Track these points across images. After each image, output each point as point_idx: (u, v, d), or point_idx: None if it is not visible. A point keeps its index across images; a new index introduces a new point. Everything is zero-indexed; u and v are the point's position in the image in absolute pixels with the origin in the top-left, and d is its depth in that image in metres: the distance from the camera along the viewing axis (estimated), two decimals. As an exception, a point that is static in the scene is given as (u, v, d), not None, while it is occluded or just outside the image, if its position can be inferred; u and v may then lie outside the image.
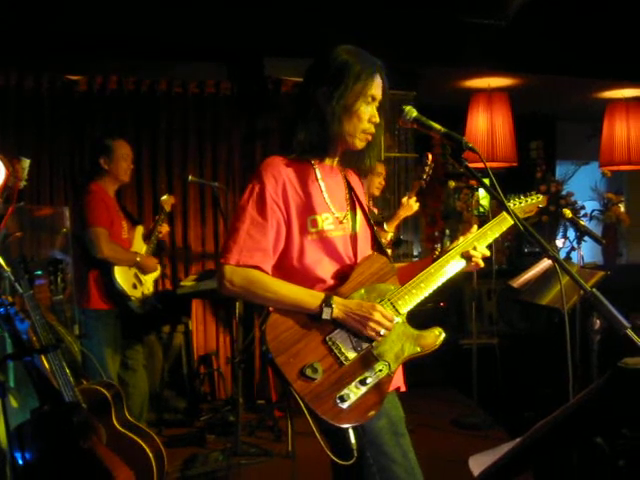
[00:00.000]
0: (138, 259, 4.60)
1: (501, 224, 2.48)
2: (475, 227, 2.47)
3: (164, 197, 5.07)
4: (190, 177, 5.11)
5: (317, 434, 2.05)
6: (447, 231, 7.86)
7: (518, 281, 4.79)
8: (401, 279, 2.33)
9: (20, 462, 3.40)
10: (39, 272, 3.91)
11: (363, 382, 2.12)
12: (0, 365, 3.55)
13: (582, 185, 8.46)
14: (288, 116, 2.36)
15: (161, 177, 6.23)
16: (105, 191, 4.57)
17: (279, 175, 2.23)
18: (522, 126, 7.18)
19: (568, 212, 4.57)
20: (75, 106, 5.98)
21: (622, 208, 8.41)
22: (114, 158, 4.57)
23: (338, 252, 2.29)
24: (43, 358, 3.47)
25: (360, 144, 2.31)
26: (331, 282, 2.26)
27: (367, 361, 2.16)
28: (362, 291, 2.24)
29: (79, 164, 5.94)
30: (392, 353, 2.20)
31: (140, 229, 4.87)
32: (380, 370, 2.16)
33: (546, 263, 4.63)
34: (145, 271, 4.70)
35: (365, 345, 2.17)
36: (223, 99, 6.31)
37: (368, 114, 2.26)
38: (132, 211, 5.68)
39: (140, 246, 4.79)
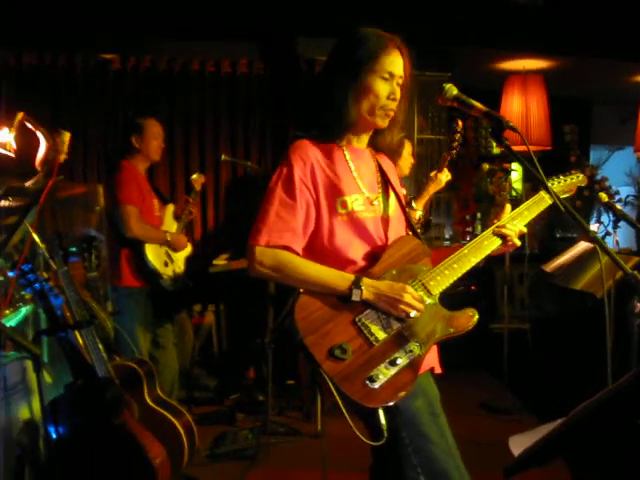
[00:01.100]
0: (168, 237, 4.62)
1: (539, 204, 2.46)
2: (508, 208, 2.44)
3: (194, 176, 5.07)
4: (223, 156, 5.11)
5: (346, 415, 2.02)
6: (479, 215, 7.80)
7: (551, 265, 4.74)
8: (434, 262, 2.30)
9: (54, 436, 3.44)
10: (73, 249, 3.94)
11: (393, 363, 2.09)
12: (34, 340, 3.59)
13: (616, 170, 8.36)
14: (311, 97, 2.37)
15: (194, 156, 6.25)
16: (136, 169, 4.59)
17: (307, 157, 2.23)
18: (556, 109, 7.08)
19: (604, 196, 4.50)
20: (108, 85, 6.03)
21: (657, 193, 8.29)
22: (145, 137, 4.59)
23: (369, 233, 2.27)
24: (77, 334, 3.50)
25: (382, 122, 2.29)
26: (362, 263, 2.24)
27: (398, 342, 2.13)
28: (394, 272, 2.22)
29: (112, 142, 5.98)
30: (424, 334, 2.17)
31: (171, 207, 4.89)
32: (411, 351, 2.12)
33: (581, 247, 4.58)
34: (176, 249, 4.71)
35: (396, 326, 2.14)
36: (256, 79, 6.30)
37: (386, 91, 2.23)
38: (164, 190, 5.71)
39: (171, 224, 4.80)
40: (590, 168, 7.79)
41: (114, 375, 3.50)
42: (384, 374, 2.07)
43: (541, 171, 2.04)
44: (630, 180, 8.40)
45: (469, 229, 7.76)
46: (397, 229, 2.37)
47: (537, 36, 6.33)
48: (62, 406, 3.50)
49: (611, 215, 4.67)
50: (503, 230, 2.35)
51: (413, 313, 2.13)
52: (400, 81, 2.26)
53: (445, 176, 4.65)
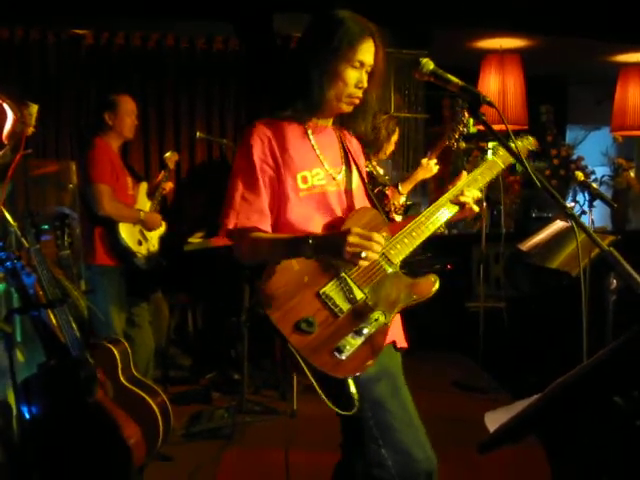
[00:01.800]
0: (142, 216, 4.58)
1: (492, 168, 2.51)
2: (464, 174, 2.47)
3: (167, 154, 5.03)
4: (198, 133, 5.06)
5: (317, 387, 2.05)
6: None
7: (527, 244, 4.75)
8: (393, 232, 2.33)
9: (27, 416, 3.41)
10: (46, 227, 3.89)
11: (359, 332, 2.12)
12: (7, 319, 3.54)
13: (592, 150, 8.41)
14: (282, 78, 2.36)
15: (168, 134, 6.19)
16: (109, 146, 4.53)
17: (264, 136, 2.24)
18: (533, 89, 7.09)
19: (580, 175, 4.53)
20: (81, 61, 5.94)
21: (632, 174, 8.35)
22: (118, 114, 4.53)
23: (331, 207, 2.30)
24: (50, 312, 3.47)
25: (346, 108, 2.29)
26: None
27: (362, 311, 2.16)
28: None
29: (85, 119, 5.90)
30: (387, 302, 2.20)
31: (144, 185, 4.84)
32: (376, 319, 2.15)
33: (556, 226, 4.60)
34: (150, 228, 4.67)
35: (360, 296, 2.17)
36: (231, 55, 6.24)
37: (354, 79, 2.23)
38: (138, 168, 5.66)
39: (144, 203, 4.76)
40: (566, 148, 7.83)
41: (88, 354, 3.47)
42: (351, 344, 2.10)
43: (518, 148, 2.03)
44: (606, 160, 8.45)
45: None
46: (360, 203, 2.40)
47: (514, 14, 6.31)
48: (35, 386, 3.48)
49: (587, 194, 4.69)
50: (460, 197, 2.37)
51: (364, 253, 1.96)
52: (369, 69, 2.26)
53: (435, 165, 4.61)
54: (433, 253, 5.30)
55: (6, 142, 2.80)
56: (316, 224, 2.27)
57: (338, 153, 2.40)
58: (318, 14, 2.30)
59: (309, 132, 2.31)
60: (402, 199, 4.61)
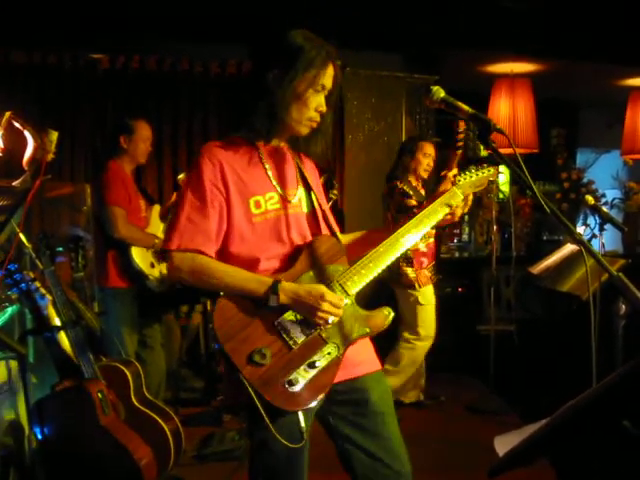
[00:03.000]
0: (156, 241, 4.61)
1: (450, 200, 2.47)
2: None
3: (181, 176, 5.06)
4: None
5: (266, 420, 2.01)
6: (466, 217, 7.82)
7: (538, 267, 4.76)
8: (355, 251, 2.32)
9: (39, 437, 3.42)
10: (60, 249, 3.93)
11: (312, 365, 2.09)
12: (20, 340, 3.58)
13: (603, 173, 8.40)
14: (242, 98, 2.33)
15: (181, 156, 6.24)
16: (123, 169, 4.57)
17: (215, 159, 2.19)
18: (543, 112, 7.12)
19: (590, 199, 4.54)
20: (97, 84, 6.01)
21: (643, 197, 8.34)
22: (134, 138, 4.58)
23: (285, 233, 2.24)
24: (63, 334, 3.49)
25: (304, 130, 2.27)
26: (278, 264, 2.22)
27: (316, 344, 2.12)
28: (311, 273, 2.20)
29: (100, 142, 5.96)
30: (341, 334, 2.16)
31: (157, 208, 4.87)
32: (329, 353, 2.12)
33: (567, 249, 4.60)
34: None
35: (314, 328, 2.13)
36: (245, 79, 6.28)
37: (316, 102, 2.22)
38: (152, 190, 5.70)
39: (157, 225, 4.79)
40: (577, 171, 7.83)
41: (101, 376, 3.49)
42: (303, 377, 2.07)
43: (528, 175, 2.04)
44: (616, 183, 8.44)
45: (457, 231, 7.79)
46: (317, 227, 2.35)
47: (525, 39, 6.35)
48: (48, 407, 3.49)
49: (597, 218, 4.70)
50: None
51: (331, 319, 2.11)
52: (327, 93, 2.26)
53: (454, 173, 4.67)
54: (444, 276, 5.32)
55: (26, 168, 2.84)
56: (271, 251, 2.22)
57: (294, 174, 2.35)
58: (280, 36, 2.25)
59: (262, 155, 2.26)
60: None
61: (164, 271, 4.68)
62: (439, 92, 2.16)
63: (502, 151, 2.13)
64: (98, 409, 3.40)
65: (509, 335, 6.03)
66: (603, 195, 7.74)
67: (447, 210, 2.44)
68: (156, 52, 6.12)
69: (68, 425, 3.48)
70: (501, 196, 7.57)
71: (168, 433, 3.58)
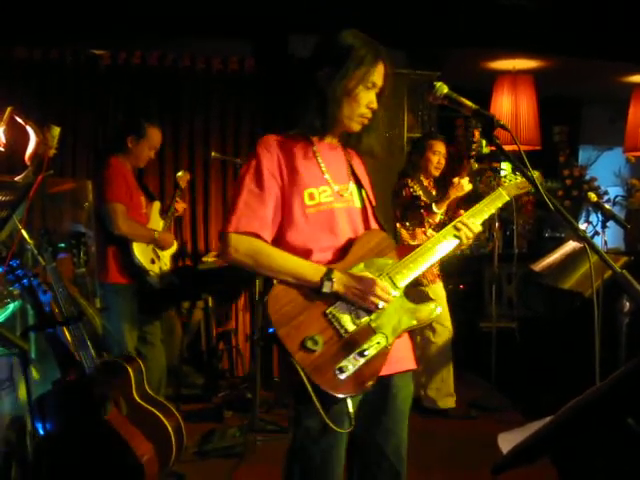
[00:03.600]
0: (156, 235, 4.60)
1: (496, 201, 2.55)
2: (462, 212, 2.54)
3: (179, 173, 5.05)
4: (213, 153, 5.09)
5: (317, 404, 2.08)
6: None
7: (540, 265, 4.76)
8: (400, 256, 2.37)
9: (41, 433, 3.43)
10: (62, 245, 3.92)
11: (362, 354, 2.16)
12: (22, 336, 3.57)
13: (605, 170, 8.40)
14: (291, 94, 2.43)
15: (183, 153, 6.23)
16: (124, 165, 4.56)
17: (273, 150, 2.28)
18: (546, 109, 7.12)
19: (593, 196, 4.54)
20: (99, 80, 5.99)
21: (645, 194, 8.33)
22: (142, 142, 4.57)
23: (338, 225, 2.32)
24: (65, 330, 3.49)
25: (356, 127, 2.35)
26: (330, 256, 2.30)
27: (365, 333, 2.20)
28: (361, 265, 2.27)
29: (102, 138, 5.96)
30: (390, 326, 2.24)
31: (157, 205, 4.87)
32: (378, 342, 2.20)
33: (569, 247, 4.60)
34: (163, 247, 4.70)
35: (364, 318, 2.21)
36: (247, 76, 6.28)
37: (367, 99, 2.30)
38: (153, 187, 5.69)
39: (157, 221, 4.79)
40: (579, 168, 7.83)
41: (102, 372, 3.49)
42: (353, 364, 2.14)
43: (530, 169, 2.04)
44: (619, 180, 8.44)
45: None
46: (367, 221, 2.43)
47: (527, 36, 6.34)
48: (50, 402, 3.49)
49: (600, 215, 4.69)
50: (460, 232, 2.40)
51: (381, 304, 2.20)
52: (378, 91, 2.33)
53: (466, 182, 4.71)
54: (446, 274, 5.32)
55: (29, 163, 2.84)
56: (322, 243, 2.29)
57: (345, 170, 2.43)
58: (330, 35, 2.34)
59: (315, 150, 2.35)
60: (438, 217, 4.81)
61: (164, 267, 4.69)
62: (442, 88, 2.17)
63: (505, 148, 2.13)
64: (99, 406, 3.40)
65: (511, 332, 6.04)
66: (605, 192, 7.74)
67: (492, 211, 2.52)
68: (158, 48, 6.11)
69: (70, 421, 3.48)
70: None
71: (170, 429, 3.59)
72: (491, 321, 5.81)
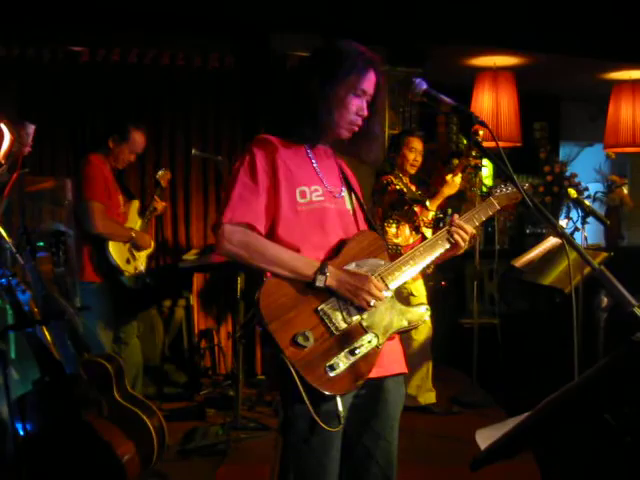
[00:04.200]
0: (133, 235, 4.58)
1: (487, 209, 2.57)
2: (456, 216, 2.48)
3: (160, 172, 5.02)
4: (193, 151, 5.08)
5: (306, 401, 2.07)
6: (449, 210, 7.82)
7: (520, 261, 4.78)
8: (392, 258, 2.37)
9: (21, 433, 3.40)
10: (41, 244, 3.90)
11: (352, 352, 2.16)
12: (1, 336, 3.55)
13: (586, 167, 8.44)
14: (281, 99, 2.45)
15: (164, 151, 6.20)
16: (104, 163, 4.55)
17: (269, 147, 2.29)
18: (527, 106, 7.14)
19: (573, 192, 4.57)
20: (77, 78, 5.95)
21: (625, 190, 8.39)
22: (125, 144, 4.56)
23: (328, 224, 2.32)
24: (44, 329, 3.47)
25: (345, 134, 2.36)
26: (321, 254, 2.29)
27: (357, 332, 2.20)
28: (353, 265, 2.27)
29: (81, 135, 5.92)
30: (381, 326, 2.25)
31: (136, 203, 4.85)
32: (369, 341, 2.20)
33: (549, 243, 4.62)
34: (139, 247, 4.68)
35: (355, 317, 2.21)
36: (227, 73, 6.26)
37: (356, 106, 2.31)
38: (133, 186, 5.67)
39: (135, 220, 4.77)
40: (560, 164, 7.86)
41: (83, 371, 3.47)
42: (343, 362, 2.14)
43: (509, 167, 2.05)
44: (599, 177, 8.48)
45: (440, 224, 7.79)
46: (357, 224, 2.44)
47: (507, 33, 6.36)
48: (30, 403, 3.47)
49: (580, 211, 4.72)
50: (455, 236, 2.40)
51: (373, 302, 2.20)
52: (369, 99, 2.35)
53: (459, 180, 4.74)
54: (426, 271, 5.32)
55: (3, 161, 2.82)
56: (313, 242, 2.29)
57: (337, 176, 2.44)
58: (325, 44, 2.39)
59: (309, 152, 2.37)
60: (431, 214, 4.83)
61: (139, 267, 4.67)
62: (421, 85, 2.18)
63: (485, 144, 2.14)
64: (79, 406, 3.38)
65: (493, 329, 6.05)
66: (586, 188, 7.77)
67: (483, 219, 2.55)
68: (137, 45, 6.07)
69: (50, 422, 3.46)
70: (484, 189, 7.57)
71: (151, 428, 3.57)
72: (473, 318, 5.83)
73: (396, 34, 6.22)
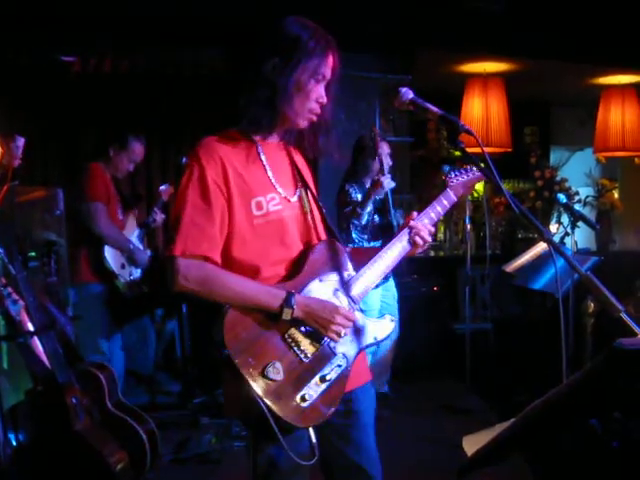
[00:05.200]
0: (131, 247, 4.60)
1: (443, 201, 2.41)
2: (415, 214, 2.35)
3: (162, 187, 5.05)
4: (185, 159, 5.07)
5: (279, 436, 1.93)
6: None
7: (512, 266, 4.79)
8: (356, 261, 2.28)
9: (14, 443, 3.40)
10: (33, 254, 3.90)
11: (323, 379, 2.06)
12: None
13: (576, 171, 8.48)
14: (242, 90, 2.18)
15: (155, 160, 6.21)
16: (104, 172, 4.58)
17: (216, 155, 2.08)
18: (517, 111, 7.17)
19: (562, 197, 4.58)
20: (68, 88, 5.95)
21: (616, 195, 8.43)
22: (123, 154, 4.59)
23: (288, 236, 2.16)
24: (36, 339, 3.47)
25: (303, 123, 2.17)
26: (282, 271, 2.15)
27: (326, 356, 2.09)
28: (317, 281, 2.15)
29: (74, 145, 5.92)
30: (350, 346, 2.15)
31: (134, 214, 4.87)
32: (339, 365, 2.10)
33: (540, 248, 4.64)
34: (135, 262, 4.69)
35: (323, 339, 2.09)
36: (219, 81, 6.26)
37: (316, 93, 2.13)
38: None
39: (132, 230, 4.78)
40: (550, 169, 7.89)
41: (75, 381, 3.47)
42: (315, 391, 2.03)
43: (496, 174, 2.04)
44: (589, 181, 8.52)
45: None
46: (316, 228, 2.28)
47: (496, 39, 6.39)
48: (22, 412, 3.47)
49: (569, 216, 4.74)
50: (415, 237, 2.28)
51: (343, 332, 2.08)
52: (326, 85, 2.17)
53: (388, 181, 4.76)
54: (419, 275, 5.34)
55: (-7, 174, 2.82)
56: (274, 256, 2.14)
57: (291, 173, 2.27)
58: (276, 24, 2.15)
59: (261, 153, 2.17)
60: (365, 218, 4.79)
61: (134, 274, 4.68)
62: (407, 93, 2.17)
63: (474, 150, 2.13)
64: (72, 415, 3.38)
65: (485, 333, 6.07)
66: (576, 193, 7.81)
67: (441, 211, 2.38)
68: (129, 55, 6.08)
69: (42, 431, 3.46)
70: (475, 195, 7.61)
71: (143, 437, 3.56)
72: (465, 322, 5.84)
73: (386, 42, 6.25)
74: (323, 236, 2.29)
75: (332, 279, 2.19)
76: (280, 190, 2.17)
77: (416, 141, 7.23)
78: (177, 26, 5.83)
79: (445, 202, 2.41)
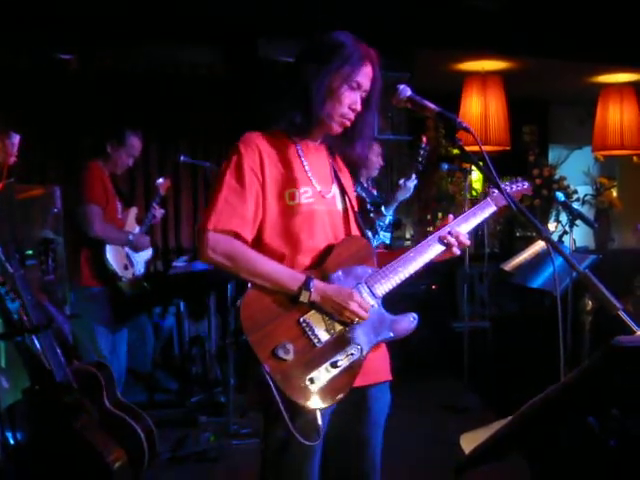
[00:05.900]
0: (131, 237, 4.59)
1: (483, 211, 2.46)
2: (451, 217, 2.41)
3: (160, 180, 5.04)
4: (182, 157, 5.08)
5: (284, 414, 2.01)
6: (439, 214, 7.87)
7: (510, 264, 4.79)
8: (382, 264, 2.29)
9: (12, 442, 3.39)
10: (30, 252, 3.89)
11: (334, 364, 2.10)
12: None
13: (575, 169, 8.48)
14: (275, 91, 2.32)
15: (153, 158, 6.20)
16: (103, 170, 4.56)
17: (256, 147, 2.20)
18: (515, 110, 7.17)
19: (561, 196, 4.58)
20: (67, 86, 5.94)
21: (614, 193, 8.43)
22: (122, 150, 4.57)
23: (317, 228, 2.24)
24: (34, 338, 3.46)
25: (336, 128, 2.26)
26: (307, 260, 2.22)
27: (340, 344, 2.14)
28: (339, 273, 2.21)
29: (72, 143, 5.91)
30: (365, 337, 2.18)
31: (134, 210, 4.85)
32: (352, 354, 2.13)
33: (538, 246, 4.64)
34: (138, 249, 4.68)
35: (339, 328, 2.14)
36: (216, 80, 6.27)
37: (350, 99, 2.21)
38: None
39: (133, 227, 4.77)
40: (549, 168, 7.89)
41: (73, 379, 3.46)
42: (325, 376, 2.08)
43: (495, 172, 2.04)
44: (588, 179, 8.51)
45: (430, 228, 7.81)
46: (348, 226, 2.36)
47: (494, 38, 6.39)
48: (20, 411, 3.46)
49: (568, 214, 4.74)
50: (447, 239, 2.31)
51: (356, 320, 2.14)
52: (364, 94, 2.26)
53: (412, 184, 4.76)
54: (418, 274, 5.33)
55: (-12, 172, 2.81)
56: (302, 245, 2.21)
57: (328, 173, 2.35)
58: (321, 34, 2.28)
59: (300, 150, 2.28)
60: (387, 219, 4.82)
61: (137, 273, 4.67)
62: (405, 91, 2.18)
63: (472, 149, 2.13)
64: (69, 414, 3.37)
65: (483, 331, 6.06)
66: (575, 191, 7.80)
67: (479, 221, 2.45)
68: (127, 53, 6.07)
69: (40, 430, 3.45)
70: (474, 193, 7.61)
71: (142, 435, 3.56)
72: (464, 321, 5.84)
73: (385, 39, 6.24)
74: (354, 234, 2.37)
75: (354, 272, 2.24)
76: (316, 185, 2.27)
77: (414, 139, 7.21)
78: (177, 26, 5.83)
79: (485, 212, 2.47)
